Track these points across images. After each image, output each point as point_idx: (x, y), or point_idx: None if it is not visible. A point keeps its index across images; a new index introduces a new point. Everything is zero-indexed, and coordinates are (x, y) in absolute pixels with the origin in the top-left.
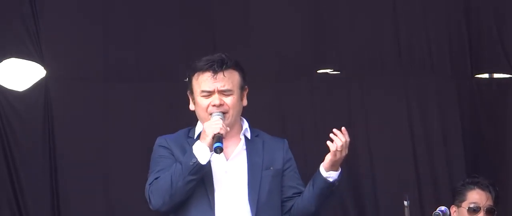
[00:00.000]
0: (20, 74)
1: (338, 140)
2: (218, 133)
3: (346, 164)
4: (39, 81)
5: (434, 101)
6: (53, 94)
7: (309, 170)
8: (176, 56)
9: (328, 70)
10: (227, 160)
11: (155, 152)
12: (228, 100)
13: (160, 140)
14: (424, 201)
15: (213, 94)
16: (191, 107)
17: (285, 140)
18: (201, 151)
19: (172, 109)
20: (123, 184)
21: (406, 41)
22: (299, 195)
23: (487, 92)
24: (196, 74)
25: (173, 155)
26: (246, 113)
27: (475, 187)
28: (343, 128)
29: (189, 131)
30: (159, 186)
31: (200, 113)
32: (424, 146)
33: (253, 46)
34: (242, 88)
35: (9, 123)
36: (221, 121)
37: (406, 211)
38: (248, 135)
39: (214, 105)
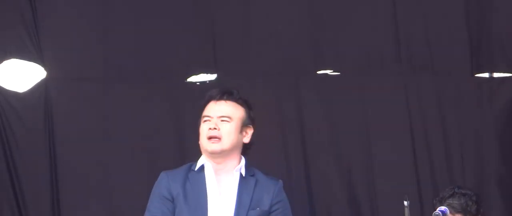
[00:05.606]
0: (20, 75)
1: None
2: None
3: (346, 163)
4: (39, 81)
5: (434, 101)
6: (53, 94)
7: (309, 171)
8: (176, 57)
9: (328, 71)
10: (220, 194)
11: (157, 187)
12: (223, 126)
13: (162, 177)
14: (424, 201)
15: (212, 119)
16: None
17: (280, 182)
18: None
19: (172, 109)
20: (123, 184)
21: (406, 41)
22: None
23: (487, 92)
24: (205, 105)
25: (172, 194)
26: None
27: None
28: None
29: (191, 165)
30: None
31: (200, 140)
32: (424, 146)
33: (253, 47)
34: (244, 124)
35: (9, 123)
36: None
37: (406, 211)
38: (243, 173)
39: (209, 129)
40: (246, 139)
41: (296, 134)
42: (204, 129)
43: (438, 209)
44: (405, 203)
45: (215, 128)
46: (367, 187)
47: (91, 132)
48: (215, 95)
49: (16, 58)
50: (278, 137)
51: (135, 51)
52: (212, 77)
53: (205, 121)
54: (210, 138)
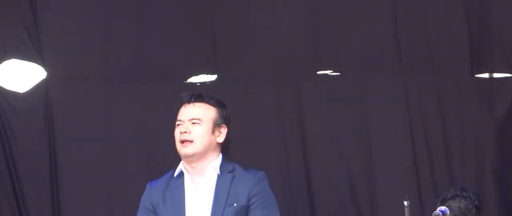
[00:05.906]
0: (20, 75)
1: None
2: None
3: (346, 163)
4: (39, 82)
5: (434, 101)
6: (53, 95)
7: (309, 171)
8: (176, 58)
9: (328, 71)
10: (197, 196)
11: (142, 199)
12: (194, 129)
13: (147, 188)
14: (424, 201)
15: (184, 123)
16: None
17: (259, 173)
18: None
19: (172, 110)
20: (123, 184)
21: (406, 41)
22: None
23: (487, 92)
24: (178, 110)
25: (153, 205)
26: (246, 114)
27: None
28: None
29: (174, 171)
30: None
31: (176, 145)
32: (424, 146)
33: (253, 47)
34: (216, 124)
35: (9, 123)
36: None
37: (406, 211)
38: (218, 171)
39: (181, 132)
40: (220, 138)
41: (296, 134)
42: (177, 134)
43: (438, 209)
44: (405, 203)
45: (186, 132)
46: (367, 187)
47: (91, 132)
48: (184, 98)
49: (16, 58)
50: (278, 137)
51: (135, 51)
52: (212, 77)
53: (177, 125)
54: (182, 141)
